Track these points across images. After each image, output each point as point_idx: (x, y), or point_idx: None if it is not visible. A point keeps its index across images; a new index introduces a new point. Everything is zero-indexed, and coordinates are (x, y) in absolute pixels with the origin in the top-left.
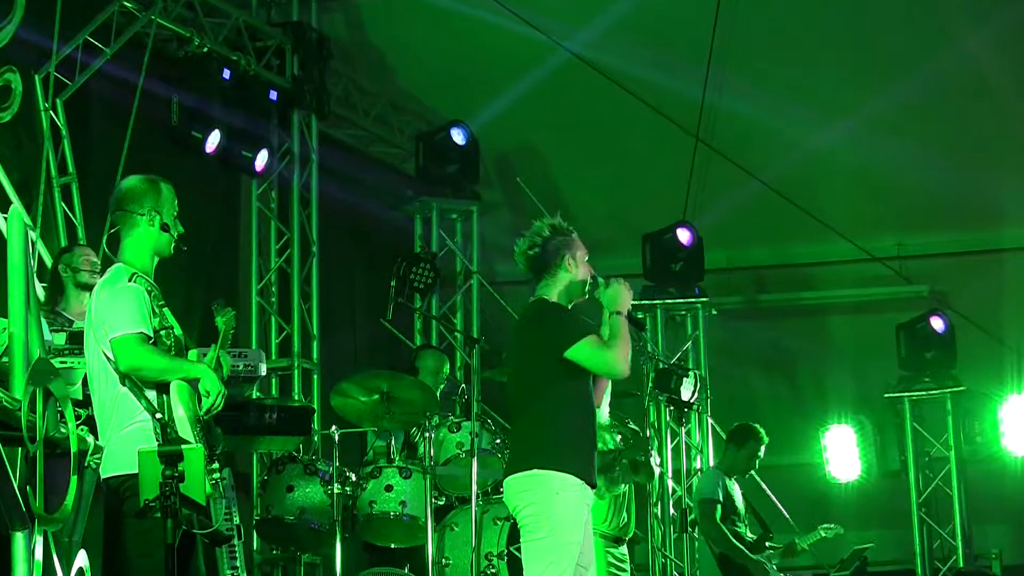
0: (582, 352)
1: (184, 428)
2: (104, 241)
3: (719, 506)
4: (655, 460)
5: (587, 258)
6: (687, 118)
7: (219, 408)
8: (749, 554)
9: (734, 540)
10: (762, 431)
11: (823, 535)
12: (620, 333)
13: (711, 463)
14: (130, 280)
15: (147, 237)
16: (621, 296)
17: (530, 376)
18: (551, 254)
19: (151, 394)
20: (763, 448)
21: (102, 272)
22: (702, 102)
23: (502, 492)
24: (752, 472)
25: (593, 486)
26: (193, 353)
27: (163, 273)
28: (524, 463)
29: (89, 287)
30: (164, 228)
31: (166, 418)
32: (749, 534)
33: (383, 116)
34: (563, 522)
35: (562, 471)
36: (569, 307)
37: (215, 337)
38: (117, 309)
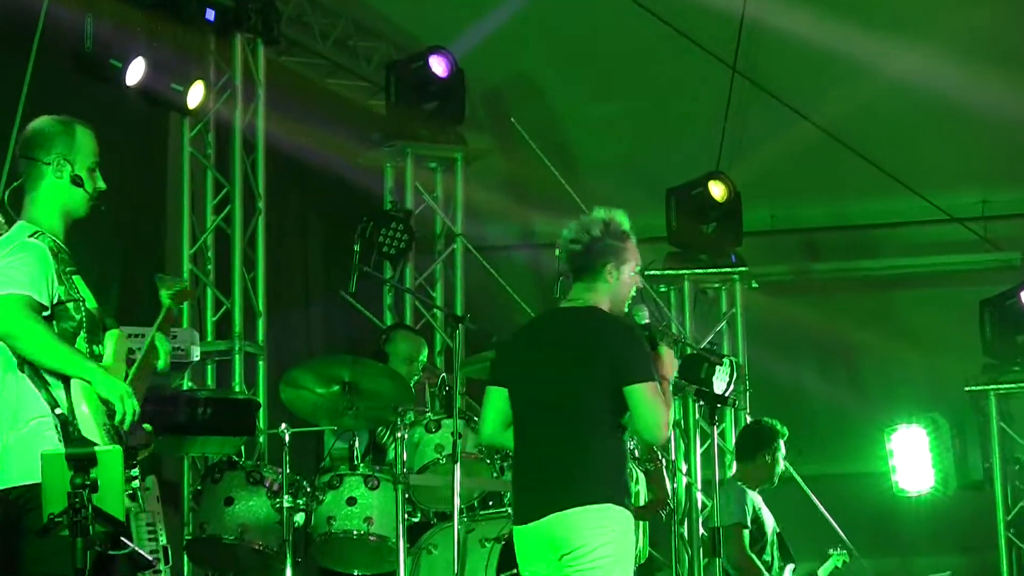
0: (641, 396)
1: (88, 428)
2: (5, 195)
3: (747, 532)
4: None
5: (638, 270)
6: (722, 44)
7: (131, 415)
8: None
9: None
10: (776, 423)
11: (835, 564)
12: (670, 403)
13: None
14: (31, 236)
15: (55, 192)
16: (672, 362)
17: (588, 394)
18: (594, 256)
19: (55, 384)
20: (783, 443)
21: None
22: (740, 23)
23: (490, 506)
24: (798, 480)
25: None
26: (112, 334)
27: (71, 234)
28: (592, 494)
29: None
30: (76, 182)
31: (67, 414)
32: (778, 565)
33: (345, 41)
34: (631, 566)
35: (628, 508)
36: None
37: (134, 317)
38: (8, 266)
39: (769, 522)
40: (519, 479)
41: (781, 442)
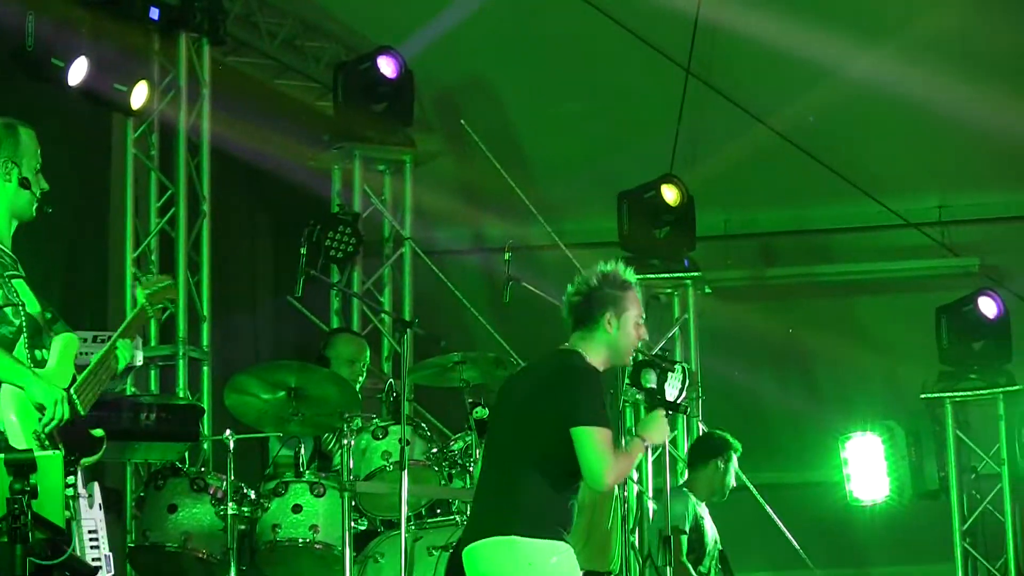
0: (583, 438)
1: (16, 436)
2: None
3: (684, 537)
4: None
5: (641, 317)
6: (676, 45)
7: (57, 421)
8: None
9: None
10: (729, 436)
11: None
12: (631, 458)
13: None
14: None
15: (2, 195)
16: (659, 429)
17: (534, 433)
18: (593, 305)
19: None
20: (735, 457)
21: None
22: (695, 24)
23: (438, 514)
24: (751, 489)
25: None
26: (61, 338)
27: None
28: (505, 527)
29: None
30: (24, 184)
31: None
32: None
33: (293, 40)
34: None
35: (551, 540)
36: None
37: (77, 321)
38: None
39: (711, 533)
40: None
41: (733, 455)
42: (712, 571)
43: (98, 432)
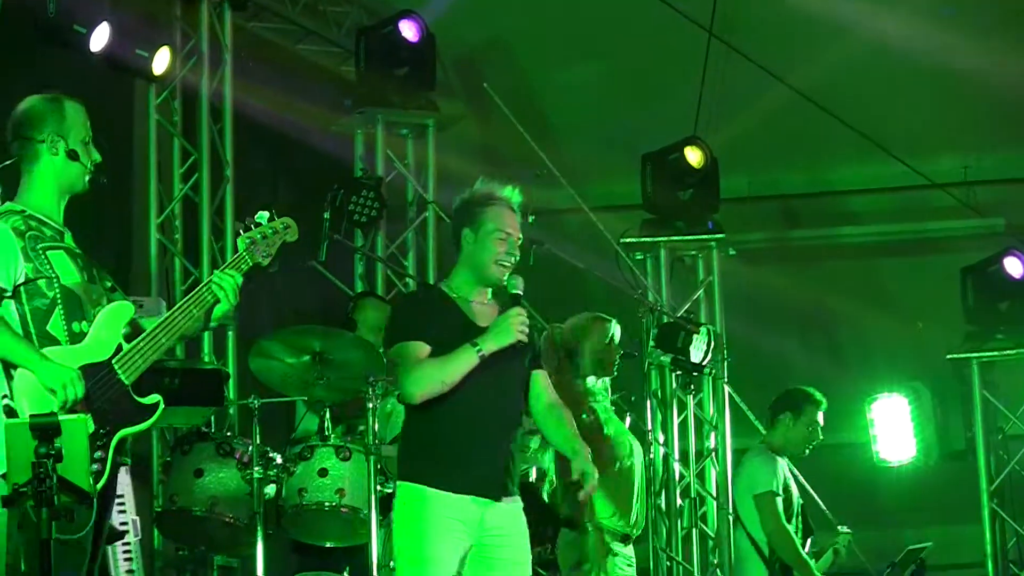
0: (393, 359)
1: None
2: None
3: (779, 499)
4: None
5: (505, 232)
6: (698, 6)
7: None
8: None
9: (803, 553)
10: (809, 390)
11: (840, 546)
12: (446, 365)
13: (728, 442)
14: None
15: (50, 169)
16: (498, 333)
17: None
18: (455, 225)
19: (13, 372)
20: (822, 414)
21: None
22: None
23: None
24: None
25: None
26: (113, 308)
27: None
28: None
29: None
30: (72, 156)
31: (13, 404)
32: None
33: (315, 5)
34: (411, 542)
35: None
36: (454, 296)
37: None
38: None
39: (796, 492)
40: None
41: (808, 408)
42: (798, 530)
43: (150, 399)
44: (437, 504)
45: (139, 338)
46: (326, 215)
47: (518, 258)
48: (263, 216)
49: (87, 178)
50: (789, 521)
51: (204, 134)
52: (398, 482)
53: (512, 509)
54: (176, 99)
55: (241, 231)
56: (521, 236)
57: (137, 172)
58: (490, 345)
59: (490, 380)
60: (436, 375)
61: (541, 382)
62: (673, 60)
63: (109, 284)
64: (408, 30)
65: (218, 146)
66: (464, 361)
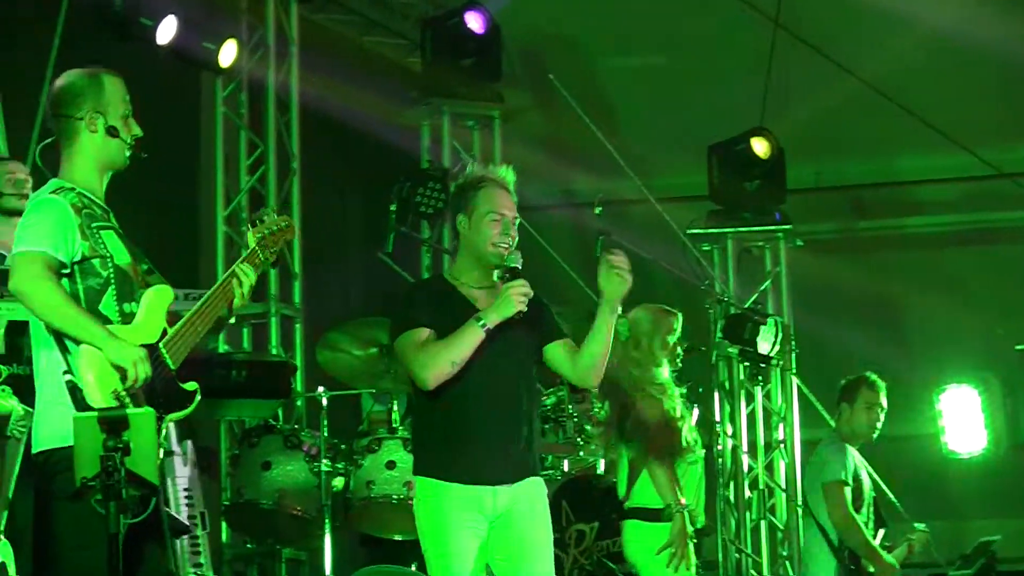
0: (397, 349)
1: (94, 396)
2: (36, 154)
3: (848, 489)
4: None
5: (498, 213)
6: None
7: (139, 382)
8: (889, 561)
9: (872, 541)
10: (872, 374)
11: (914, 540)
12: (450, 345)
13: (796, 433)
14: (53, 192)
15: (90, 147)
16: (506, 303)
17: None
18: (451, 213)
19: (72, 347)
20: (883, 397)
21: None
22: None
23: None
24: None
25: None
26: (154, 290)
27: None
28: None
29: (20, 213)
30: (112, 132)
31: (76, 380)
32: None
33: None
34: (434, 536)
35: (431, 478)
36: (456, 283)
37: (168, 280)
38: (25, 223)
39: (867, 481)
40: None
41: (866, 391)
42: (869, 520)
43: (190, 386)
44: (451, 497)
45: (179, 324)
46: (392, 207)
47: (516, 238)
48: (268, 212)
49: (127, 153)
50: (859, 511)
51: (271, 126)
52: (414, 477)
53: (528, 489)
54: (243, 91)
55: (249, 226)
56: (517, 215)
57: (204, 165)
58: (493, 317)
59: (496, 361)
60: (444, 355)
61: (562, 351)
62: (739, 50)
63: (147, 267)
64: (474, 21)
65: (284, 138)
66: (469, 337)
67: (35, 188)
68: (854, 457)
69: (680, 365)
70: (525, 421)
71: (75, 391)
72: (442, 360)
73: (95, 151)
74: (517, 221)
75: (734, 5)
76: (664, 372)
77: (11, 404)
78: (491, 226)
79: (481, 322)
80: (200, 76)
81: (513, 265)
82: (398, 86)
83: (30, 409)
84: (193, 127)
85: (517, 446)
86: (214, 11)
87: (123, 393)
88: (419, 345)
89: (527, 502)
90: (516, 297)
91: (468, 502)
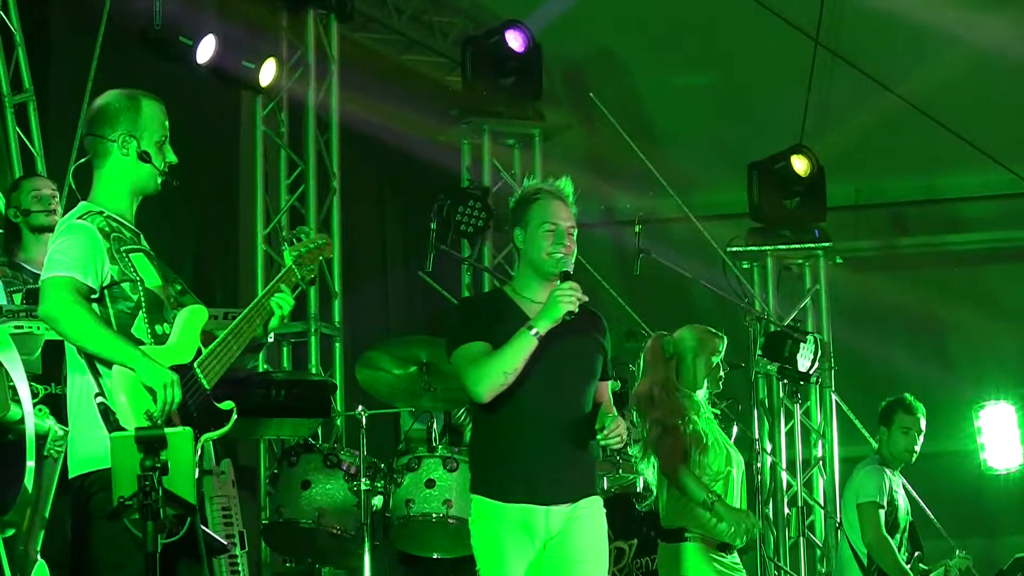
0: (454, 364)
1: (126, 417)
2: (70, 173)
3: (882, 512)
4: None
5: (552, 223)
6: (804, 14)
7: (168, 405)
8: None
9: (903, 564)
10: (910, 397)
11: (952, 566)
12: (504, 356)
13: (835, 451)
14: (80, 217)
15: (121, 169)
16: (554, 304)
17: None
18: (510, 228)
19: (104, 370)
20: (921, 420)
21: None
22: None
23: None
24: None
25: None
26: (188, 310)
27: (142, 214)
28: None
29: (49, 228)
30: (143, 158)
31: (108, 402)
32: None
33: (421, 16)
34: (489, 556)
35: (488, 497)
36: (515, 297)
37: (208, 299)
38: (55, 250)
39: (903, 505)
40: None
41: (902, 414)
42: (903, 544)
43: (226, 405)
44: (505, 517)
45: (214, 343)
46: (433, 225)
47: (574, 249)
48: (305, 230)
49: (159, 180)
50: (893, 534)
51: (311, 145)
52: (471, 495)
53: (584, 510)
54: (283, 110)
55: (286, 244)
56: (575, 225)
57: (244, 183)
58: (543, 323)
59: (554, 373)
60: (496, 366)
61: (599, 390)
62: (779, 68)
63: (180, 287)
64: (514, 40)
65: (324, 157)
66: (521, 346)
67: (71, 206)
68: (891, 480)
69: (720, 387)
70: (584, 435)
71: (107, 413)
72: (494, 371)
73: (125, 174)
74: (575, 231)
75: (775, 23)
76: (700, 393)
77: (48, 424)
78: (545, 236)
79: (532, 329)
80: (240, 95)
81: (563, 269)
82: (438, 104)
83: (67, 429)
84: (233, 146)
85: (573, 463)
86: (254, 30)
87: (157, 414)
88: (474, 359)
89: (583, 522)
90: (564, 298)
91: (521, 526)
